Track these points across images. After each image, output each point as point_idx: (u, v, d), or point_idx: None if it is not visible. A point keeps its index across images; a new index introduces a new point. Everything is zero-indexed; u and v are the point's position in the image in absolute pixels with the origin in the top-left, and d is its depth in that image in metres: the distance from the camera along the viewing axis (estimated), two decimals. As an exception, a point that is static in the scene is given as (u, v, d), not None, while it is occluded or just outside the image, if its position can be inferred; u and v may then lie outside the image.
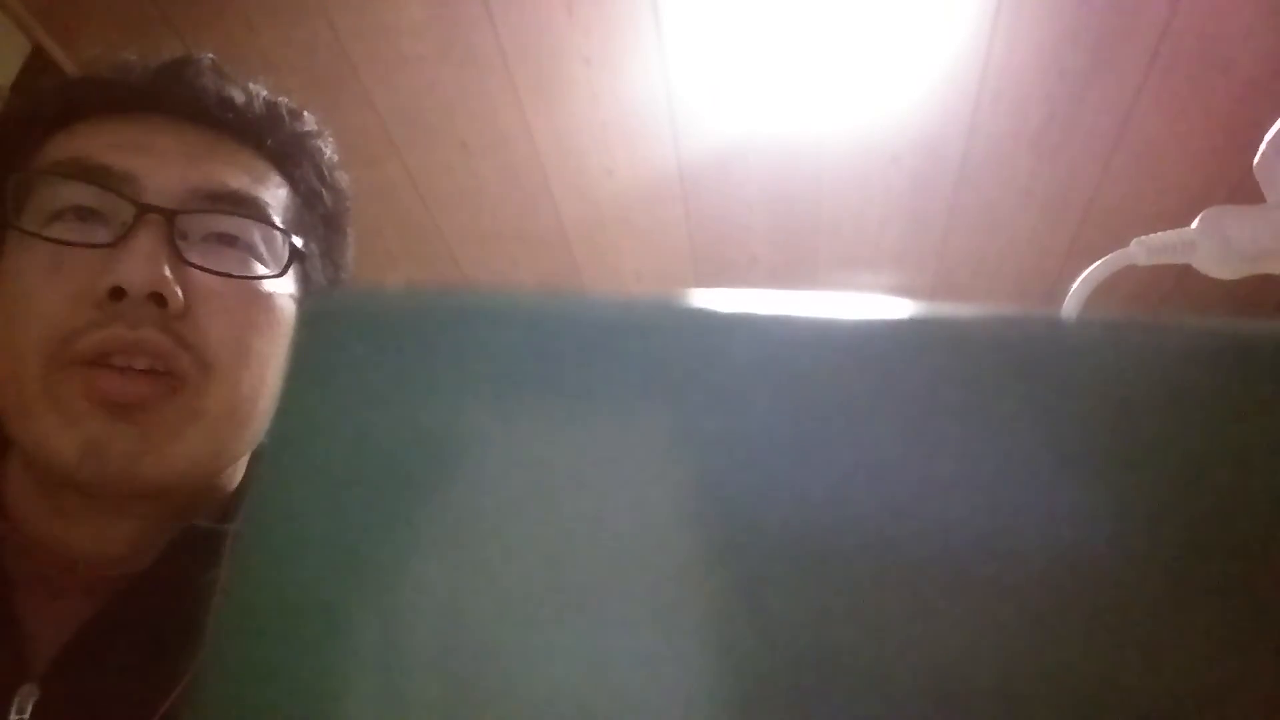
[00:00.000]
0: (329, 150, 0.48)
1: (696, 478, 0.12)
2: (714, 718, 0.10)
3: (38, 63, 1.02)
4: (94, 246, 0.38)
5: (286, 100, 0.46)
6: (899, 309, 0.12)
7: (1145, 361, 0.12)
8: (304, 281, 0.45)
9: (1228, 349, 0.12)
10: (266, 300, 0.41)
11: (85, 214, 0.39)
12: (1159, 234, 0.37)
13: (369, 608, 0.11)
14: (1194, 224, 0.36)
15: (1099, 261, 0.38)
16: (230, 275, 0.40)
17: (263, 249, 0.42)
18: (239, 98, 0.44)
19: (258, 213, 0.42)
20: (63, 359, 0.37)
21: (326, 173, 0.47)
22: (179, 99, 0.43)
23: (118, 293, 0.37)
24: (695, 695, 0.11)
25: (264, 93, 0.45)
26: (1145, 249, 0.37)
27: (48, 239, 0.38)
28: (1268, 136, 0.36)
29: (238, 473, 0.44)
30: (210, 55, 0.45)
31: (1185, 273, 0.38)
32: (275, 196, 0.44)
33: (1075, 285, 0.38)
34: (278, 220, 0.43)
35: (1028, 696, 0.10)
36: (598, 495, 0.12)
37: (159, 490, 0.39)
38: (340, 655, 0.11)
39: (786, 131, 1.13)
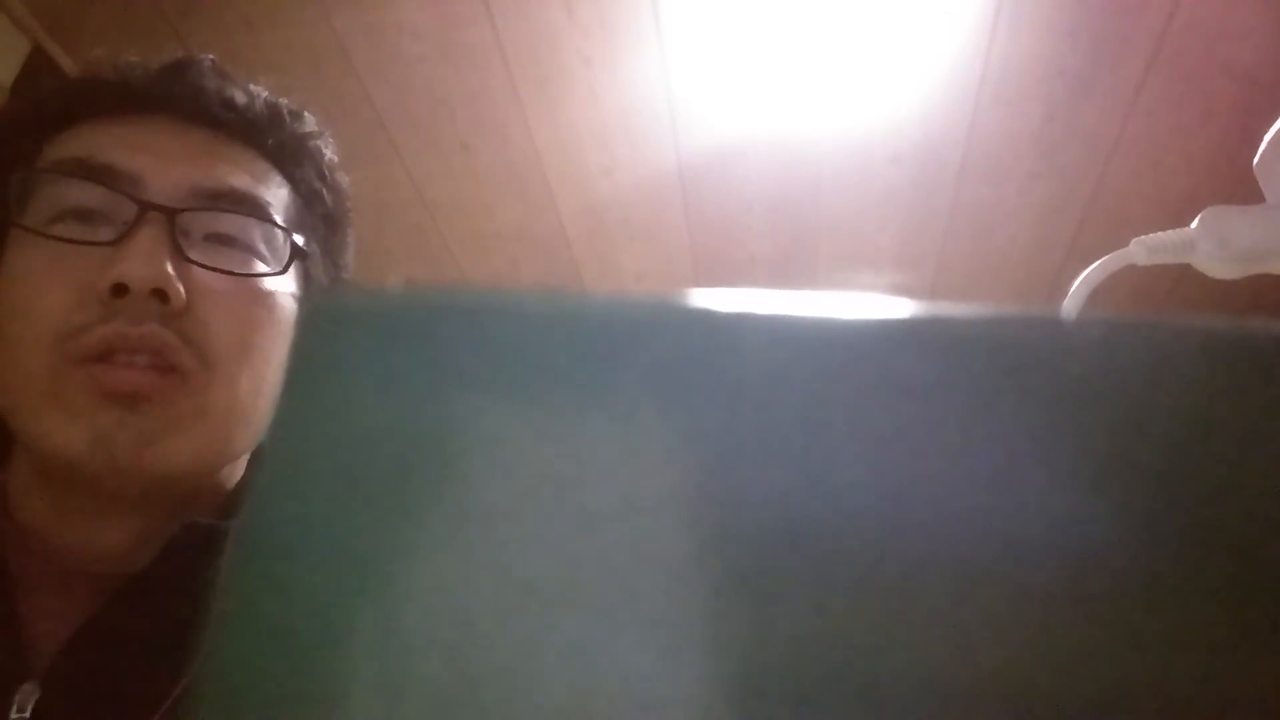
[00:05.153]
0: (329, 151, 0.48)
1: (696, 476, 0.12)
2: (715, 715, 0.10)
3: (38, 63, 1.02)
4: (96, 244, 0.38)
5: (287, 101, 0.46)
6: (899, 309, 0.12)
7: (1145, 361, 0.12)
8: (305, 280, 0.45)
9: (1228, 349, 0.12)
10: (268, 298, 0.41)
11: (88, 213, 0.39)
12: (1159, 234, 0.37)
13: (369, 607, 0.11)
14: (1194, 224, 0.36)
15: (1099, 261, 0.38)
16: (232, 272, 0.40)
17: (264, 247, 0.42)
18: (240, 98, 0.44)
19: (259, 211, 0.42)
20: (67, 357, 0.37)
21: (327, 173, 0.48)
22: (181, 100, 0.43)
23: (120, 289, 0.37)
24: (696, 693, 0.11)
25: (265, 94, 0.45)
26: (1145, 249, 0.37)
27: (51, 237, 0.38)
28: (1268, 136, 0.36)
29: (238, 470, 0.44)
30: (211, 56, 0.46)
31: (1185, 273, 0.38)
32: (276, 196, 0.44)
33: (1075, 285, 0.38)
34: (279, 219, 0.43)
35: (1029, 695, 0.10)
36: (597, 494, 0.12)
37: (162, 484, 0.39)
38: (340, 654, 0.11)
39: (786, 131, 1.13)
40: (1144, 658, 0.10)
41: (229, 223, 0.41)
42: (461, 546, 0.11)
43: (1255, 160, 0.36)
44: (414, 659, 0.11)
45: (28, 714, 0.35)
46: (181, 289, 0.38)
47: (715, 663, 0.11)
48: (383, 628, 0.11)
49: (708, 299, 0.13)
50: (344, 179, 0.49)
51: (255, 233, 0.42)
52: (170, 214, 0.39)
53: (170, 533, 0.40)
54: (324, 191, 0.47)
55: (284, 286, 0.43)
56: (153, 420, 0.37)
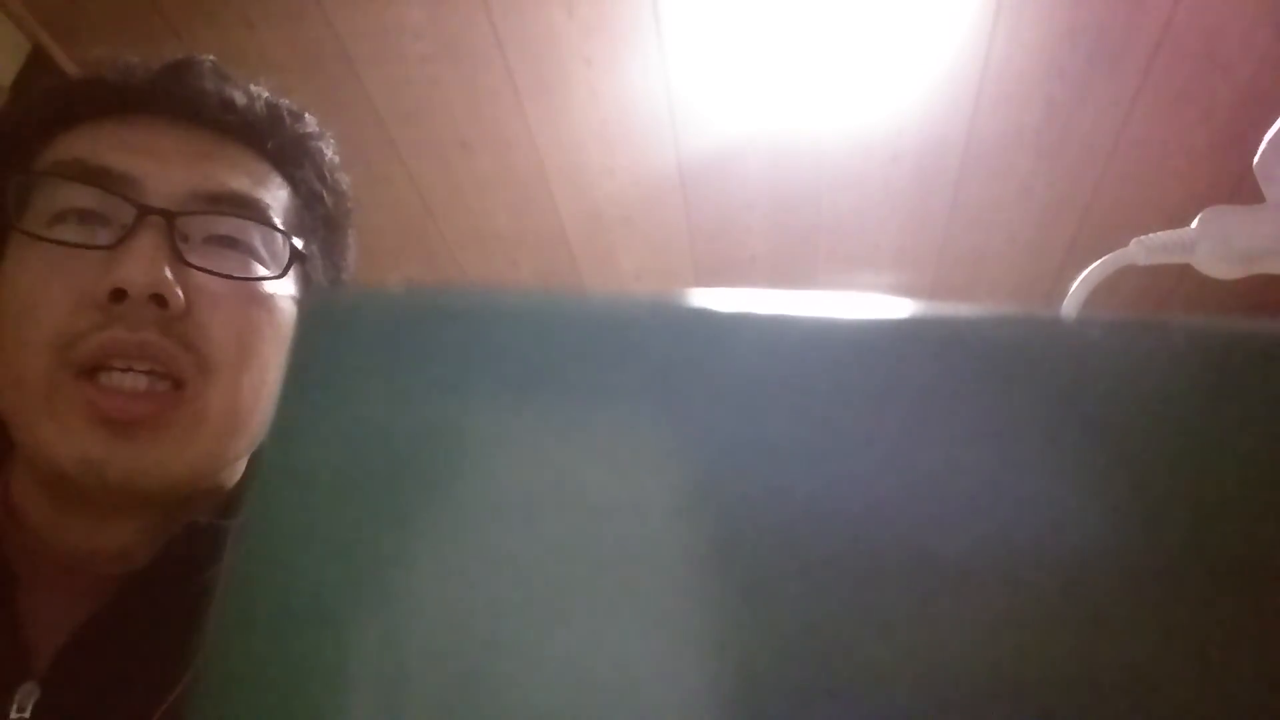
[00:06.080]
0: (330, 152, 0.48)
1: (696, 477, 0.12)
2: (715, 716, 0.10)
3: (38, 63, 1.02)
4: (95, 248, 0.38)
5: (287, 102, 0.46)
6: (899, 309, 0.12)
7: (1145, 361, 0.12)
8: (304, 283, 0.45)
9: (1228, 349, 0.12)
10: (267, 301, 0.41)
11: (86, 216, 0.39)
12: (1159, 234, 0.37)
13: (368, 608, 0.11)
14: (1194, 224, 0.36)
15: (1099, 261, 0.38)
16: (231, 276, 0.40)
17: (263, 250, 0.42)
18: (240, 99, 0.44)
19: (258, 214, 0.42)
20: (66, 363, 0.37)
21: (327, 174, 0.47)
22: (180, 101, 0.43)
23: (119, 294, 0.37)
24: (697, 695, 0.11)
25: (265, 94, 0.45)
26: (1145, 249, 0.37)
27: (49, 240, 0.38)
28: (1268, 136, 0.36)
29: (238, 470, 0.44)
30: (211, 57, 0.45)
31: (1185, 273, 0.38)
32: (276, 198, 0.44)
33: (1075, 285, 0.38)
34: (278, 222, 0.43)
35: (1029, 695, 0.10)
36: (597, 495, 0.12)
37: (158, 495, 0.39)
38: (339, 655, 0.11)
39: (786, 131, 1.13)
40: (1144, 657, 0.10)
41: (228, 225, 0.41)
42: (461, 546, 0.11)
43: (1255, 160, 0.36)
44: (413, 657, 0.11)
45: (28, 714, 0.35)
46: (180, 293, 0.38)
47: (715, 663, 0.11)
48: (382, 626, 0.11)
49: (708, 299, 0.13)
50: (345, 180, 0.49)
51: (254, 236, 0.42)
52: (169, 217, 0.39)
53: (171, 533, 0.40)
54: (324, 193, 0.47)
55: (283, 289, 0.43)
56: (144, 445, 0.37)
